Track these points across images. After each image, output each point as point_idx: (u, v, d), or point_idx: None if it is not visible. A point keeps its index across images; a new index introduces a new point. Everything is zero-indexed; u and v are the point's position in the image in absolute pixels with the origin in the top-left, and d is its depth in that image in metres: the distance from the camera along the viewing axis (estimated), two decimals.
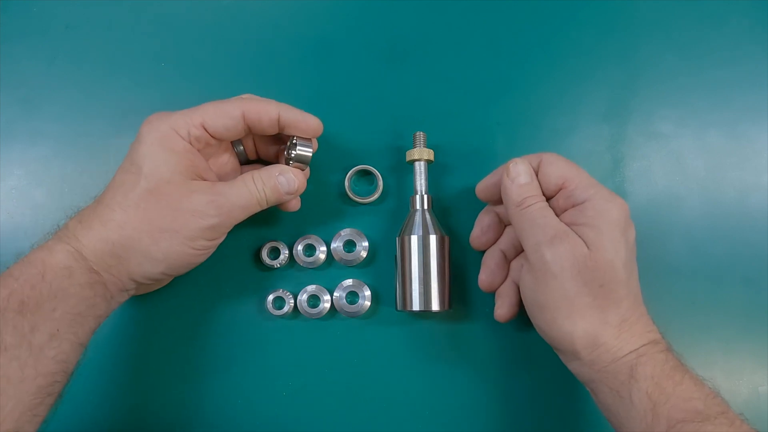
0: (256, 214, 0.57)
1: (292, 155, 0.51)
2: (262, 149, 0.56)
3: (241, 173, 0.55)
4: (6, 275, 0.44)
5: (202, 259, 0.50)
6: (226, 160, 0.54)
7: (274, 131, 0.51)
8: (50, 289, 0.43)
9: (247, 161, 0.57)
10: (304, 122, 0.51)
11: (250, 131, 0.51)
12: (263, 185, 0.49)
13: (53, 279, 0.44)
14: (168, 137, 0.47)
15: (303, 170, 0.52)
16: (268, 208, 0.58)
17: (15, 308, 0.42)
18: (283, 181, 0.50)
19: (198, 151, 0.49)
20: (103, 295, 0.47)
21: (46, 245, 0.46)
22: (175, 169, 0.47)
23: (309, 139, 0.52)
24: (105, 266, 0.46)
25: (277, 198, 0.50)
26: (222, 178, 0.53)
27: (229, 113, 0.49)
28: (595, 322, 0.45)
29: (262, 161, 0.57)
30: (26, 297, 0.42)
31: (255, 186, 0.49)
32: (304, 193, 0.53)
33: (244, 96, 0.52)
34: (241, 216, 0.49)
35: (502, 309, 0.54)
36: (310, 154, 0.51)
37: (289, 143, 0.53)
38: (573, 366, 0.48)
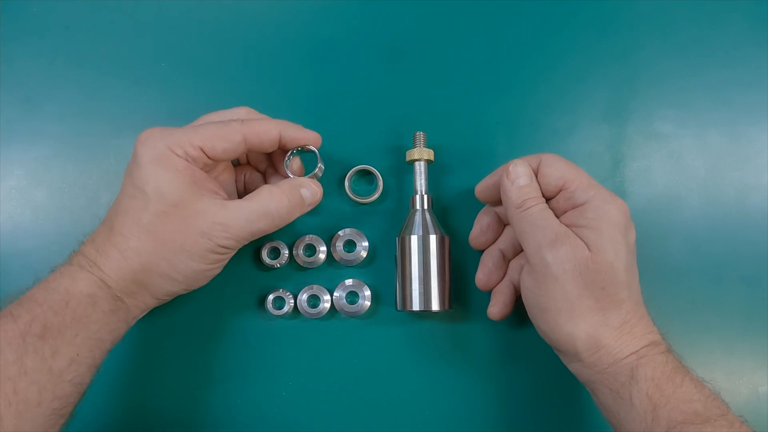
0: None
1: (313, 172, 0.52)
2: (253, 157, 0.56)
3: (235, 175, 0.55)
4: (27, 299, 0.44)
5: (219, 270, 0.51)
6: (223, 167, 0.54)
7: (274, 149, 0.52)
8: (74, 315, 0.43)
9: (238, 164, 0.57)
10: (304, 139, 0.51)
11: (251, 151, 0.51)
12: (286, 200, 0.49)
13: (77, 306, 0.44)
14: (164, 157, 0.47)
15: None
16: None
17: (37, 333, 0.42)
18: (307, 194, 0.51)
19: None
20: (125, 319, 0.47)
21: (67, 272, 0.45)
22: (178, 188, 0.46)
23: (315, 152, 0.53)
24: (128, 293, 0.46)
25: (300, 211, 0.51)
26: (220, 184, 0.52)
27: (229, 138, 0.48)
28: (597, 324, 0.45)
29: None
30: (49, 322, 0.43)
31: (273, 202, 0.49)
32: None
33: (239, 111, 0.51)
34: (252, 236, 0.49)
35: (496, 307, 0.54)
36: (321, 173, 0.53)
37: (290, 153, 0.53)
38: (574, 367, 0.48)
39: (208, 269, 0.49)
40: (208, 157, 0.49)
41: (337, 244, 0.58)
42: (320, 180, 0.54)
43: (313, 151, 0.53)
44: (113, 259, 0.46)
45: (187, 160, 0.47)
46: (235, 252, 0.50)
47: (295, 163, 0.54)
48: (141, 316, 0.50)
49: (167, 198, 0.46)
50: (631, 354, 0.45)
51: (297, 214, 0.51)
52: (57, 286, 0.44)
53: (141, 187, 0.46)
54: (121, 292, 0.46)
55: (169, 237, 0.46)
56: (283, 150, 0.53)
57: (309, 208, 0.52)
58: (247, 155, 0.56)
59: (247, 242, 0.49)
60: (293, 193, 0.50)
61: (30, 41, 0.61)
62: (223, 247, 0.48)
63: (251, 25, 0.62)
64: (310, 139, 0.52)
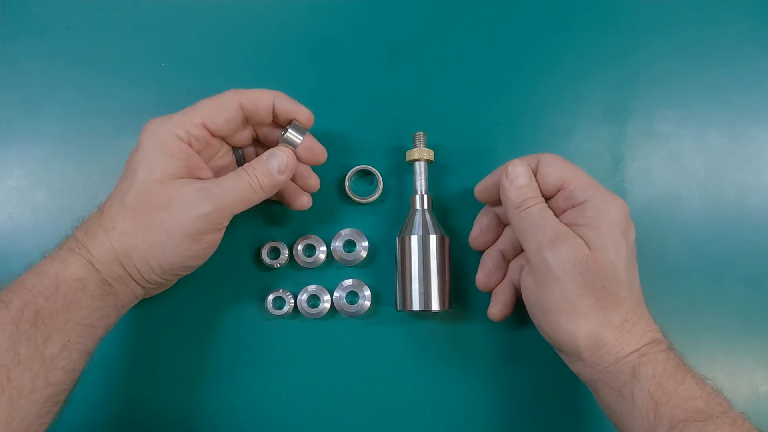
0: (257, 213, 0.57)
1: (283, 136, 0.51)
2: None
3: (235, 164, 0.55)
4: (18, 285, 0.44)
5: (199, 261, 0.49)
6: (227, 162, 0.54)
7: (269, 120, 0.51)
8: (64, 301, 0.43)
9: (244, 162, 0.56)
10: (295, 113, 0.51)
11: (248, 122, 0.51)
12: (254, 170, 0.49)
13: (67, 291, 0.44)
14: (166, 141, 0.47)
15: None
16: (273, 208, 0.58)
17: (29, 319, 0.42)
18: (273, 162, 0.49)
19: (197, 152, 0.49)
20: (114, 305, 0.47)
21: (58, 256, 0.45)
22: (167, 169, 0.46)
23: (304, 128, 0.52)
24: (115, 276, 0.46)
25: (270, 181, 0.49)
26: (216, 173, 0.53)
27: (226, 106, 0.49)
28: (598, 324, 0.45)
29: None
30: (40, 308, 0.42)
31: (246, 173, 0.48)
32: None
33: (228, 92, 0.51)
34: (235, 204, 0.48)
35: (496, 308, 0.54)
36: (299, 141, 0.51)
37: (284, 130, 0.53)
38: (575, 367, 0.48)
39: (188, 254, 0.47)
40: (211, 133, 0.49)
41: (337, 244, 0.58)
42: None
43: (303, 128, 0.52)
44: (99, 240, 0.46)
45: (189, 143, 0.48)
46: (216, 241, 0.49)
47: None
48: (131, 305, 0.49)
49: (154, 176, 0.46)
50: (633, 352, 0.45)
51: (273, 188, 0.50)
52: (47, 270, 0.44)
53: (134, 168, 0.47)
54: (108, 276, 0.46)
55: (149, 217, 0.46)
56: (278, 126, 0.53)
57: (284, 176, 0.50)
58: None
59: (229, 216, 0.48)
60: (260, 168, 0.49)
61: (30, 41, 0.61)
62: (206, 218, 0.46)
63: (251, 26, 0.62)
64: (302, 113, 0.51)
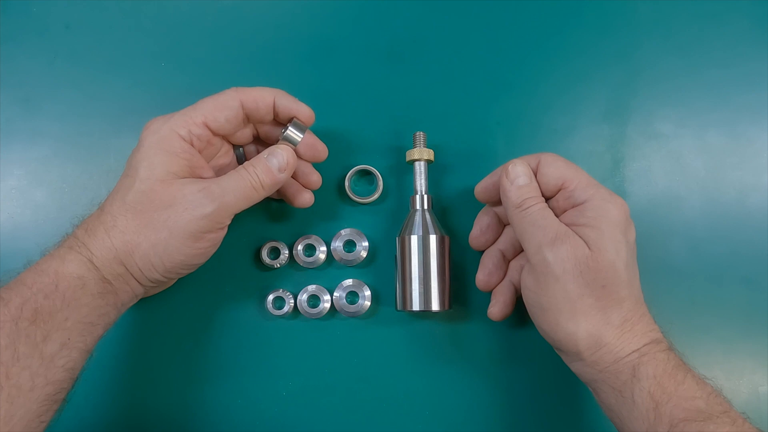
0: (257, 211, 0.57)
1: (283, 134, 0.51)
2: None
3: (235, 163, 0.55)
4: (18, 282, 0.44)
5: (202, 259, 0.49)
6: (228, 161, 0.54)
7: (270, 118, 0.52)
8: (63, 299, 0.43)
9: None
10: (296, 110, 0.51)
11: (249, 120, 0.51)
12: (254, 169, 0.49)
13: (66, 289, 0.44)
14: (167, 139, 0.47)
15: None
16: (273, 206, 0.58)
17: (28, 317, 0.42)
18: (273, 161, 0.49)
19: (199, 151, 0.49)
20: (114, 303, 0.47)
21: (57, 254, 0.45)
22: (169, 169, 0.47)
23: (304, 126, 0.52)
24: (115, 275, 0.46)
25: (271, 179, 0.49)
26: (217, 172, 0.53)
27: (227, 104, 0.49)
28: (598, 323, 0.45)
29: None
30: (39, 306, 0.42)
31: (246, 171, 0.48)
32: None
33: (228, 90, 0.51)
34: (236, 203, 0.48)
35: (496, 307, 0.54)
36: (299, 138, 0.51)
37: (285, 128, 0.53)
38: (575, 366, 0.48)
39: (190, 252, 0.47)
40: (213, 131, 0.49)
41: (337, 244, 0.58)
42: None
43: (303, 126, 0.52)
44: (99, 238, 0.46)
45: (191, 142, 0.48)
46: (218, 239, 0.49)
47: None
48: (131, 304, 0.49)
49: (156, 175, 0.46)
50: (633, 352, 0.45)
51: (274, 186, 0.50)
52: (47, 269, 0.44)
53: (135, 166, 0.47)
54: (108, 274, 0.46)
55: (151, 216, 0.46)
56: (279, 124, 0.53)
57: (284, 174, 0.50)
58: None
59: (230, 215, 0.48)
60: (260, 166, 0.49)
61: (30, 41, 0.61)
62: (207, 218, 0.46)
63: (251, 26, 0.62)
64: (303, 111, 0.51)
